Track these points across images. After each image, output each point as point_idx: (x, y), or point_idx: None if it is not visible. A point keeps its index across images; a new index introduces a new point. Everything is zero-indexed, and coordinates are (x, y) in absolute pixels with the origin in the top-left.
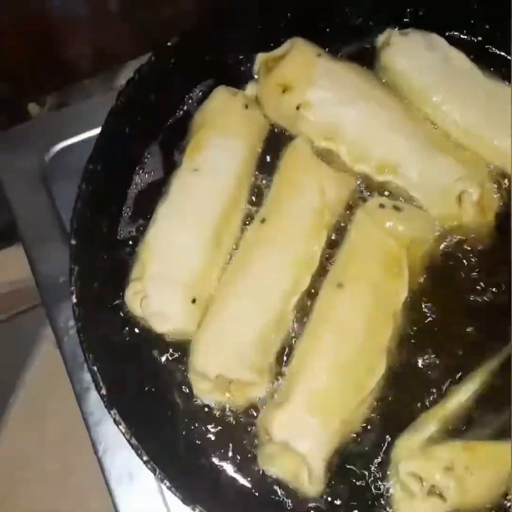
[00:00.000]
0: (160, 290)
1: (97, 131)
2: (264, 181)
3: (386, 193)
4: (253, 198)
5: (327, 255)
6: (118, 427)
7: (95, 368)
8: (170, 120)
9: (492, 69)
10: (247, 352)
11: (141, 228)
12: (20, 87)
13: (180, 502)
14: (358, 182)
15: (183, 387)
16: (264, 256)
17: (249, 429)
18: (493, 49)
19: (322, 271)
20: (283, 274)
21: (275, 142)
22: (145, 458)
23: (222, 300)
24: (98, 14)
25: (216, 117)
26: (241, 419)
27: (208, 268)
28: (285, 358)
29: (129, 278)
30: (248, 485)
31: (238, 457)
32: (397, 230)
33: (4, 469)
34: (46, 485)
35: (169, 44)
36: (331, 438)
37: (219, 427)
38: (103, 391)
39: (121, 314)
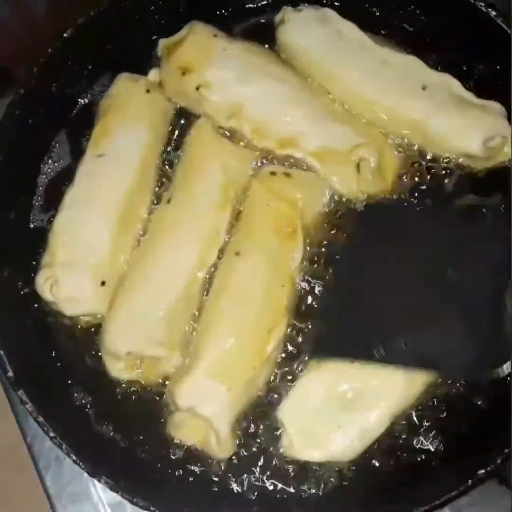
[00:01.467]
0: (70, 275)
1: None
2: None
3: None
4: (164, 180)
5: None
6: (24, 406)
7: (1, 351)
8: (76, 110)
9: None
10: (157, 329)
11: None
12: None
13: None
14: (261, 156)
15: (92, 365)
16: (170, 235)
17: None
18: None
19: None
20: (189, 251)
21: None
22: (51, 434)
23: (130, 281)
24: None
25: (119, 103)
26: (151, 391)
27: (115, 252)
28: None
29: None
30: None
31: (149, 430)
32: (288, 195)
33: None
34: None
35: (64, 35)
36: (236, 401)
37: (130, 401)
38: (10, 374)
39: (32, 301)
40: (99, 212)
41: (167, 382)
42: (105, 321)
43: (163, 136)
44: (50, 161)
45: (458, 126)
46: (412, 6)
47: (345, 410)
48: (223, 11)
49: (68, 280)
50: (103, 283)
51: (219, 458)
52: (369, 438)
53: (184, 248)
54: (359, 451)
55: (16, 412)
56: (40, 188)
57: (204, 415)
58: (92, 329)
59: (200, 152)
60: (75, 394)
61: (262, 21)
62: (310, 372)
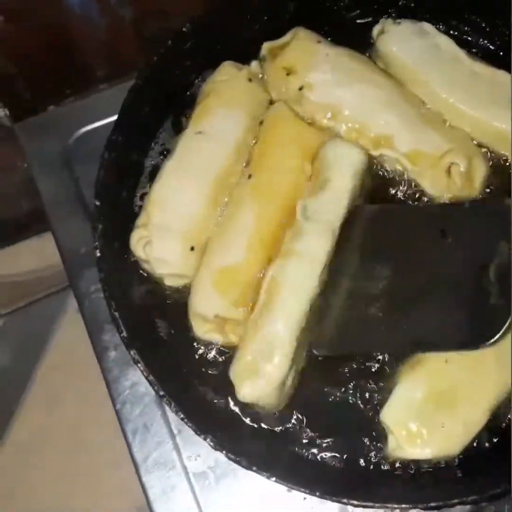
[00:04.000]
0: (163, 237)
1: (112, 118)
2: None
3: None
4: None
5: None
6: (136, 365)
7: (116, 313)
8: (183, 98)
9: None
10: (244, 296)
11: None
12: (41, 92)
13: (189, 443)
14: None
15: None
16: (251, 208)
17: None
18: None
19: None
20: (269, 223)
21: None
22: (161, 393)
23: (216, 250)
24: (113, 22)
25: (221, 88)
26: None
27: (206, 221)
28: None
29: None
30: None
31: None
32: None
33: (25, 448)
34: (65, 462)
35: (184, 29)
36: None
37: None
38: (124, 334)
39: (139, 268)
40: (195, 183)
41: None
42: (193, 284)
43: (258, 123)
44: (156, 146)
45: None
46: (502, 28)
47: (446, 407)
48: (324, 21)
49: (161, 241)
50: (192, 249)
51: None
52: (474, 430)
53: (262, 224)
54: (466, 444)
55: (107, 380)
56: (147, 170)
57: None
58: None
59: (277, 131)
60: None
61: (361, 31)
62: (407, 375)
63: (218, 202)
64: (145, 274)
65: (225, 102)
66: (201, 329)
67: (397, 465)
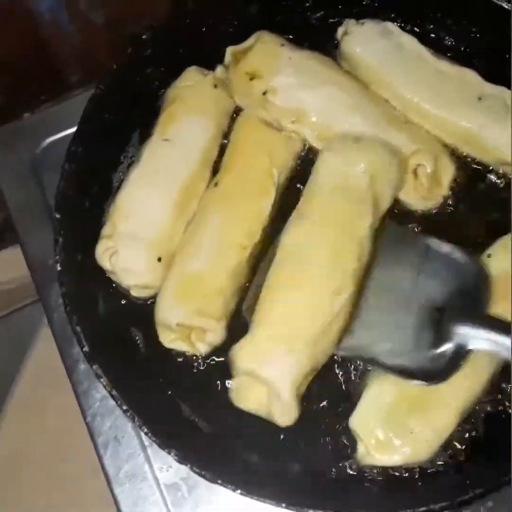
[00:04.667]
0: (128, 247)
1: None
2: None
3: None
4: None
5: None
6: (99, 380)
7: (78, 328)
8: (148, 110)
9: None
10: (206, 302)
11: None
12: (15, 99)
13: (160, 455)
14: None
15: (157, 343)
16: (218, 215)
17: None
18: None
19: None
20: (236, 229)
21: None
22: (124, 407)
23: (182, 258)
24: (84, 27)
25: (186, 94)
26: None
27: (173, 230)
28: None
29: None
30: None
31: (212, 403)
32: (358, 160)
33: (5, 459)
34: (45, 472)
35: (144, 37)
36: (299, 363)
37: (193, 376)
38: (86, 349)
39: (105, 282)
40: (162, 191)
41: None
42: (159, 294)
43: (224, 129)
44: (125, 160)
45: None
46: (468, 24)
47: (416, 412)
48: (288, 23)
49: (127, 251)
50: (159, 259)
51: (282, 424)
52: (444, 436)
53: (232, 225)
54: (436, 449)
55: (77, 393)
56: (115, 183)
57: (264, 377)
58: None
59: (246, 139)
60: (144, 368)
61: (325, 33)
62: (376, 379)
63: (185, 211)
64: (115, 286)
65: (191, 108)
66: (166, 339)
67: (366, 471)
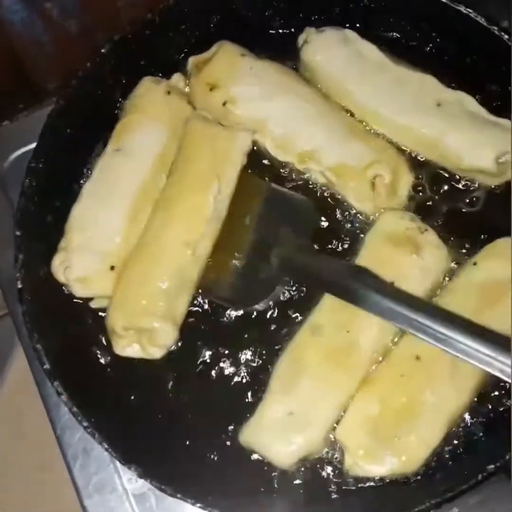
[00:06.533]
0: (82, 258)
1: None
2: None
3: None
4: None
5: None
6: (59, 397)
7: (38, 346)
8: (113, 119)
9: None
10: (152, 303)
11: None
12: None
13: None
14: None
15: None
16: (162, 215)
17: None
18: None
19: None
20: (179, 226)
21: None
22: (85, 424)
23: (130, 264)
24: (59, 35)
25: (140, 103)
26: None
27: (126, 239)
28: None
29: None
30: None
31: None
32: None
33: None
34: (23, 481)
35: (102, 50)
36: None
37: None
38: (47, 366)
39: (67, 297)
40: (114, 201)
41: None
42: (109, 303)
43: (180, 136)
44: (88, 171)
45: (471, 142)
46: (430, 30)
47: (403, 423)
48: (249, 32)
49: (80, 262)
50: (112, 268)
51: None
52: (432, 446)
53: (174, 223)
54: (422, 462)
55: (47, 405)
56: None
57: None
58: None
59: (191, 138)
60: (105, 383)
61: (286, 42)
62: (362, 389)
63: (138, 219)
64: (77, 301)
65: (144, 117)
66: (118, 346)
67: (351, 481)
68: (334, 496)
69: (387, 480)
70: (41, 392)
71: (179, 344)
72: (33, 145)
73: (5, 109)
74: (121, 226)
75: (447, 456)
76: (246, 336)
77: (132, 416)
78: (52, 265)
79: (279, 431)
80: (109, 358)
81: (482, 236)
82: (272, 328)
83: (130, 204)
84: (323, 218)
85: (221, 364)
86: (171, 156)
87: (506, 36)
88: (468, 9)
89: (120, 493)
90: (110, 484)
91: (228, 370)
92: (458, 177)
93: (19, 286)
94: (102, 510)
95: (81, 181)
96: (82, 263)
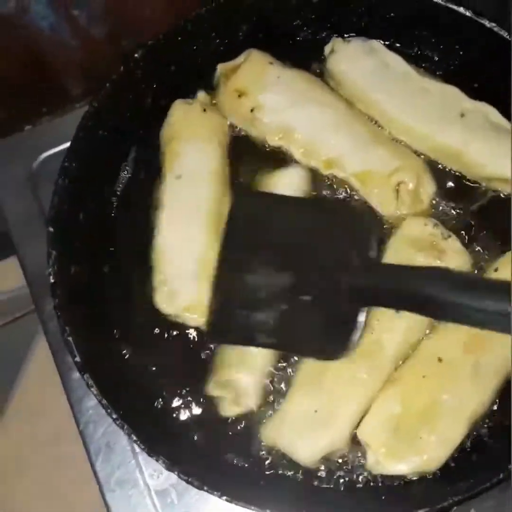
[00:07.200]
0: (182, 287)
1: None
2: None
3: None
4: None
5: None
6: (89, 389)
7: (70, 339)
8: (146, 123)
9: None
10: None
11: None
12: (16, 112)
13: (152, 461)
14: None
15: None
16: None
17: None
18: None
19: None
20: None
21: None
22: (114, 416)
23: None
24: (86, 41)
25: (181, 128)
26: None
27: (213, 252)
28: None
29: (152, 285)
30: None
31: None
32: None
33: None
34: (40, 479)
35: (135, 55)
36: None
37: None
38: (77, 359)
39: (93, 289)
40: (192, 226)
41: None
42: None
43: (225, 146)
44: (121, 173)
45: (494, 152)
46: (453, 43)
47: (425, 423)
48: (278, 41)
49: (184, 290)
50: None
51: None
52: (453, 445)
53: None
54: (443, 461)
55: (71, 401)
56: (113, 199)
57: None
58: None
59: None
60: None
61: (311, 47)
62: (385, 390)
63: (218, 230)
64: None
65: (188, 140)
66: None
67: (371, 479)
68: (354, 493)
69: (408, 479)
70: (65, 387)
71: None
72: (57, 149)
73: (29, 113)
74: (205, 246)
75: (469, 454)
76: None
77: (160, 410)
78: (158, 304)
79: (304, 428)
80: (135, 354)
81: (503, 242)
82: None
83: (208, 224)
84: None
85: None
86: (225, 167)
87: None
88: (491, 23)
89: (141, 488)
90: (132, 479)
91: None
92: (479, 185)
93: (52, 280)
94: (123, 505)
95: (115, 184)
96: (186, 290)
